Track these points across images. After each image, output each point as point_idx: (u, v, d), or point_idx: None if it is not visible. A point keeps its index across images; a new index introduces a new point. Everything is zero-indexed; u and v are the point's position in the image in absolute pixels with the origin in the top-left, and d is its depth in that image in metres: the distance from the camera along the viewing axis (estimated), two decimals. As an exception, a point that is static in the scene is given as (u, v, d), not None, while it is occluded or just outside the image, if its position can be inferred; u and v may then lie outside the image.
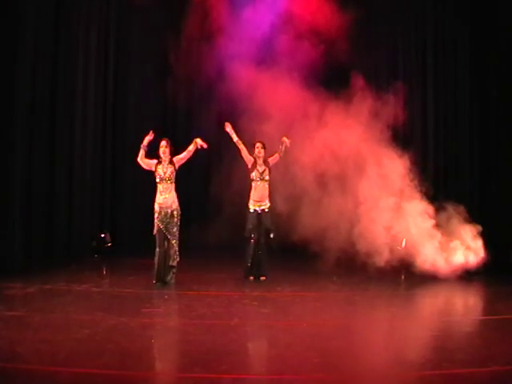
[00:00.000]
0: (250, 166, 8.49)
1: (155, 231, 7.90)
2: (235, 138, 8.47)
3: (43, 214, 9.89)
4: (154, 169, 7.97)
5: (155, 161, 7.99)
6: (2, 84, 8.83)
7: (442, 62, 11.42)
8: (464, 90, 11.34)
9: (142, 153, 7.98)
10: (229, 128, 8.45)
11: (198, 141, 8.01)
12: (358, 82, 10.06)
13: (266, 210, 8.43)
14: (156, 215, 7.88)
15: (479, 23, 11.02)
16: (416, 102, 11.43)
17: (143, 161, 8.01)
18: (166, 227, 7.85)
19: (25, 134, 9.37)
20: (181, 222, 7.98)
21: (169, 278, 7.88)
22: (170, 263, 7.86)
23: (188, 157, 8.09)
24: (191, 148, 8.05)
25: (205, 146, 8.02)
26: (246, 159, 8.52)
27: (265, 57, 10.82)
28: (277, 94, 10.22)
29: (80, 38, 10.61)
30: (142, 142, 8.00)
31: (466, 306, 7.73)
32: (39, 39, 9.64)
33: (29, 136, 9.49)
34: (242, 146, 8.48)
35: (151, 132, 8.01)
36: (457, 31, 11.31)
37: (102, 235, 10.82)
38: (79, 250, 10.39)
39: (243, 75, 10.44)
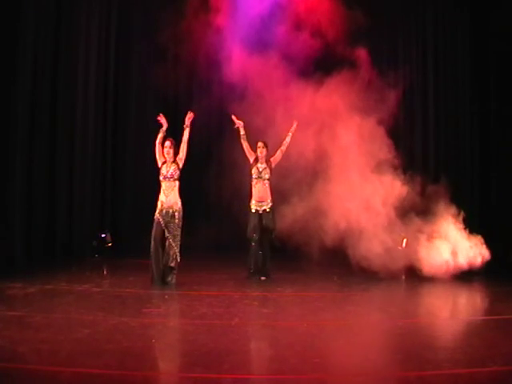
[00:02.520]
0: (251, 162, 8.52)
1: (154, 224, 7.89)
2: (242, 132, 8.50)
3: (44, 214, 9.91)
4: (159, 166, 8.02)
5: (163, 159, 8.03)
6: (2, 82, 8.86)
7: (442, 58, 11.48)
8: (464, 85, 11.39)
9: (160, 136, 8.06)
10: (239, 125, 8.50)
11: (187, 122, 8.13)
12: (362, 58, 10.04)
13: (268, 210, 8.43)
14: (157, 210, 7.89)
15: (479, 16, 11.10)
16: (416, 99, 11.49)
17: (159, 147, 8.05)
18: (166, 225, 7.85)
19: (25, 133, 9.40)
20: (183, 224, 7.98)
21: (169, 278, 7.88)
22: (169, 264, 7.85)
23: (186, 148, 8.08)
24: (185, 136, 8.08)
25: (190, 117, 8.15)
26: (248, 154, 8.54)
27: (263, 42, 10.77)
28: (274, 79, 10.21)
29: (82, 31, 10.65)
30: (160, 127, 8.10)
31: (466, 305, 7.73)
32: (40, 33, 9.71)
33: (29, 135, 9.52)
34: (245, 143, 8.52)
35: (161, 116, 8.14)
36: (457, 27, 11.37)
37: (103, 235, 10.82)
38: (80, 250, 10.41)
39: (242, 60, 10.44)
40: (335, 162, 9.31)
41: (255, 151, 8.55)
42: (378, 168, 9.18)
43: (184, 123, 8.14)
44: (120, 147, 11.68)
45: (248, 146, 8.56)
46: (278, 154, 8.59)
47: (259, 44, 10.63)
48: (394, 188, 9.01)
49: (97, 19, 10.99)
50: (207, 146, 12.13)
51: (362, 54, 10.06)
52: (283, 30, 10.54)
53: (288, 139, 8.60)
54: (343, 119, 9.45)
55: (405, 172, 9.26)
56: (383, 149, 9.28)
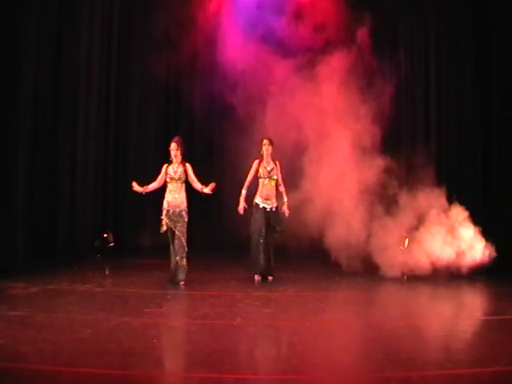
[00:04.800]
0: (255, 167, 8.40)
1: (164, 229, 7.84)
2: (244, 192, 8.35)
3: (46, 214, 9.91)
4: (165, 171, 7.89)
5: (164, 166, 7.92)
6: (4, 82, 8.85)
7: (444, 52, 11.47)
8: (466, 72, 11.43)
9: (149, 188, 7.90)
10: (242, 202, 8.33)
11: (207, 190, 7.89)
12: (362, 42, 10.01)
13: (274, 210, 8.38)
14: (164, 212, 7.83)
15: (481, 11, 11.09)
16: (418, 84, 11.53)
17: (156, 186, 7.93)
18: (174, 225, 7.80)
19: (27, 133, 9.39)
20: (188, 222, 7.92)
21: (181, 277, 7.82)
22: (180, 263, 7.78)
23: (193, 184, 7.97)
24: (199, 187, 7.92)
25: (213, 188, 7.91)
26: (254, 173, 8.40)
27: (263, 30, 10.73)
28: (274, 67, 10.21)
29: (84, 23, 10.61)
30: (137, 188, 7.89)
31: (469, 305, 7.72)
32: (42, 29, 9.71)
33: (31, 135, 9.51)
34: (247, 182, 8.42)
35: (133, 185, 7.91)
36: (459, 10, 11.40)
37: (105, 235, 10.82)
38: (82, 250, 10.39)
39: (243, 48, 10.48)
40: (326, 151, 9.32)
41: (260, 150, 8.47)
42: (369, 157, 9.19)
43: (204, 187, 7.88)
44: (122, 147, 11.69)
45: (250, 175, 8.43)
46: (279, 178, 8.43)
47: (259, 32, 10.62)
48: (379, 175, 9.04)
49: (99, 14, 10.97)
50: (208, 138, 12.19)
51: (362, 36, 10.00)
52: (282, 17, 10.54)
53: (282, 193, 8.45)
54: (340, 108, 9.43)
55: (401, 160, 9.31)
56: (374, 136, 9.29)
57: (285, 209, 8.42)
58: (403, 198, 9.00)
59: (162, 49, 10.98)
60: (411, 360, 4.97)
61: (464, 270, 8.70)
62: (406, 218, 8.90)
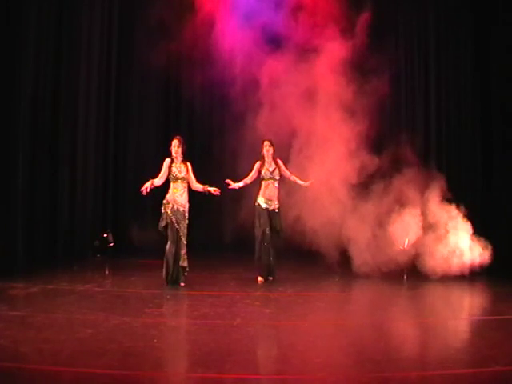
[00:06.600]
0: (257, 167, 8.35)
1: (163, 224, 7.77)
2: (241, 183, 8.33)
3: (46, 214, 9.92)
4: (168, 169, 7.83)
5: (167, 160, 7.87)
6: (4, 82, 8.85)
7: (444, 51, 11.48)
8: (466, 67, 11.45)
9: (155, 183, 7.81)
10: (233, 185, 8.28)
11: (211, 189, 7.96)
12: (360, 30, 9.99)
13: (276, 211, 8.36)
14: (169, 207, 7.76)
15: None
16: (418, 98, 11.51)
17: (160, 182, 7.87)
18: (177, 223, 7.79)
19: (27, 133, 9.40)
20: (189, 222, 7.91)
21: (182, 278, 7.84)
22: (181, 263, 7.80)
23: (192, 184, 7.99)
24: (200, 188, 7.98)
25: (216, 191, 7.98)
26: (256, 174, 8.37)
27: (263, 21, 10.74)
28: (271, 57, 10.23)
29: (84, 16, 10.64)
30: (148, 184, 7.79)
31: (468, 305, 7.73)
32: (42, 26, 9.72)
33: (31, 136, 9.52)
34: (248, 179, 8.38)
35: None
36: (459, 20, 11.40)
37: (105, 235, 10.83)
38: (82, 250, 10.41)
39: (241, 39, 10.52)
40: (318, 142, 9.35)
41: (261, 151, 8.45)
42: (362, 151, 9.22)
43: (208, 188, 7.96)
44: (122, 147, 11.69)
45: (251, 175, 8.38)
46: (286, 172, 8.50)
47: (258, 22, 10.62)
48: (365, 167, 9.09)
49: (99, 7, 10.99)
50: (208, 130, 12.20)
51: (361, 28, 9.97)
52: (281, 8, 10.53)
53: (296, 180, 8.55)
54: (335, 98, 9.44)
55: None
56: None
57: (308, 183, 8.54)
58: (389, 191, 9.03)
59: (162, 39, 10.95)
60: (411, 360, 4.98)
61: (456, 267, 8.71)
62: (383, 210, 8.94)
